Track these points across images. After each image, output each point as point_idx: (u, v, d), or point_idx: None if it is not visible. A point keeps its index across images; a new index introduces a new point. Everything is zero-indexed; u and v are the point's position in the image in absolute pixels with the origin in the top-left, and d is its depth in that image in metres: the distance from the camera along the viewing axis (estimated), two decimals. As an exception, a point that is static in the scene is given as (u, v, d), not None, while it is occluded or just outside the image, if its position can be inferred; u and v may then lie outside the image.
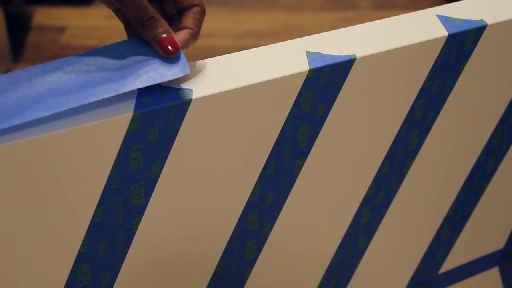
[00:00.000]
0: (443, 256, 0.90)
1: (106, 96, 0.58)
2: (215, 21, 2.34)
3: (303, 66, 0.66)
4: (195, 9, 0.65)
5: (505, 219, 0.92)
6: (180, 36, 0.63)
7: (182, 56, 0.62)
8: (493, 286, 0.98)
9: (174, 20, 0.66)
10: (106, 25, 2.30)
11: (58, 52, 2.21)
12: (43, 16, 2.39)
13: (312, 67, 0.66)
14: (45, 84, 0.58)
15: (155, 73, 0.61)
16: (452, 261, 0.92)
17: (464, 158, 0.83)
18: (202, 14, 0.65)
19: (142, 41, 0.63)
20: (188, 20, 0.64)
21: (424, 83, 0.73)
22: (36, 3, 2.43)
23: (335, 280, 0.83)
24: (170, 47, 0.62)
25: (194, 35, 0.64)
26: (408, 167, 0.79)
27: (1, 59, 2.05)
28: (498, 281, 0.98)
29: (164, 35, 0.62)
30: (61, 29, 2.32)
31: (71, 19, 2.37)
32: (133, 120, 0.60)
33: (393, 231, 0.83)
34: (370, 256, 0.83)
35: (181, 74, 0.61)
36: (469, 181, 0.85)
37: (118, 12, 0.66)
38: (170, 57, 0.62)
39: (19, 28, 2.31)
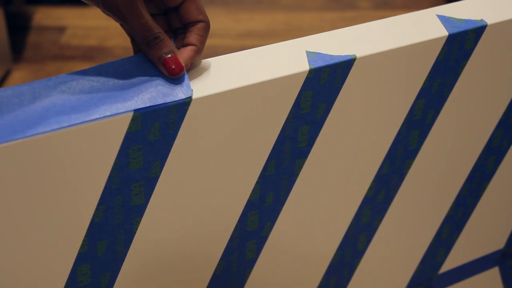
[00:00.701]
0: (443, 256, 0.90)
1: (108, 114, 0.58)
2: (216, 21, 2.34)
3: (303, 66, 0.66)
4: (199, 25, 0.65)
5: (505, 219, 0.92)
6: (184, 54, 0.64)
7: (186, 77, 0.63)
8: (493, 286, 0.98)
9: (179, 34, 0.67)
10: (106, 25, 2.30)
11: (58, 52, 2.21)
12: (43, 16, 2.39)
13: (312, 67, 0.66)
14: (49, 99, 0.59)
15: (158, 93, 0.61)
16: (452, 261, 0.92)
17: (464, 158, 0.83)
18: (206, 29, 0.65)
19: (146, 59, 0.64)
20: (193, 36, 0.65)
21: (424, 83, 0.73)
22: (36, 3, 2.43)
23: (335, 280, 0.83)
24: (174, 68, 0.62)
25: (198, 52, 0.65)
26: (408, 167, 0.79)
27: (1, 59, 2.05)
28: (498, 281, 0.98)
29: (169, 56, 0.62)
30: (61, 29, 2.32)
31: (71, 19, 2.37)
32: (133, 120, 0.60)
33: (393, 231, 0.83)
34: (370, 256, 0.83)
35: (183, 96, 0.61)
36: (469, 181, 0.85)
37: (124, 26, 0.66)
38: (174, 78, 0.62)
39: (19, 28, 2.31)
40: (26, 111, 0.57)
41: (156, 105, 0.60)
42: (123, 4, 0.61)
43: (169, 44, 0.63)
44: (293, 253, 0.77)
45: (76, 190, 0.60)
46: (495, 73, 0.78)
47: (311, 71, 0.66)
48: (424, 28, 0.72)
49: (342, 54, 0.68)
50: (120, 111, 0.59)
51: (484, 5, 0.76)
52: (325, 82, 0.67)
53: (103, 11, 0.63)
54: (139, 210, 0.65)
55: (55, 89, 0.60)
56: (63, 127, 0.57)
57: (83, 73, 0.62)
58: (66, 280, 0.64)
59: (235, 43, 2.25)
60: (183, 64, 0.62)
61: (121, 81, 0.62)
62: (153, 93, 0.61)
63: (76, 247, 0.63)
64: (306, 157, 0.71)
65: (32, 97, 0.59)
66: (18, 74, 2.11)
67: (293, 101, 0.67)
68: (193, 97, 0.62)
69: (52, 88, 0.60)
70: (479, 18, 0.74)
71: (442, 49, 0.72)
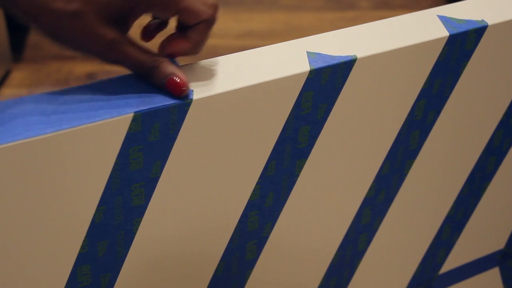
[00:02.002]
0: (443, 257, 0.90)
1: (108, 117, 0.59)
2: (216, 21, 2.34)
3: (304, 67, 0.66)
4: (201, 24, 0.63)
5: (506, 219, 0.92)
6: (175, 48, 0.63)
7: None
8: (494, 286, 0.98)
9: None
10: (106, 25, 2.29)
11: (58, 52, 2.21)
12: (43, 16, 2.38)
13: (313, 67, 0.66)
14: (50, 108, 0.60)
15: (158, 97, 0.61)
16: (452, 261, 0.92)
17: (465, 158, 0.83)
18: (209, 26, 0.63)
19: None
20: (192, 33, 0.63)
21: (425, 84, 0.73)
22: (36, 3, 2.42)
23: (336, 280, 0.83)
24: (178, 90, 0.61)
25: (193, 49, 0.63)
26: (409, 167, 0.79)
27: (1, 59, 2.05)
28: (499, 281, 0.98)
29: (169, 78, 0.61)
30: (61, 29, 2.32)
31: (71, 19, 2.36)
32: (133, 120, 0.60)
33: (394, 231, 0.83)
34: (370, 256, 0.83)
35: (184, 99, 0.61)
36: (470, 181, 0.85)
37: None
38: (181, 97, 0.61)
39: (19, 28, 2.31)
40: (27, 118, 0.58)
41: (157, 105, 0.60)
42: (107, 52, 0.60)
43: (166, 66, 0.62)
44: (293, 253, 0.77)
45: (77, 191, 0.60)
46: (495, 73, 0.78)
47: (311, 72, 0.66)
48: (424, 28, 0.72)
49: (342, 55, 0.68)
50: (120, 114, 0.59)
51: (484, 6, 0.76)
52: (326, 82, 0.67)
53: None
54: (140, 211, 0.65)
55: (56, 100, 0.61)
56: (64, 128, 0.57)
57: (85, 86, 0.62)
58: (66, 281, 0.64)
59: (235, 43, 2.25)
60: (185, 80, 0.62)
61: (123, 91, 0.62)
62: (153, 94, 0.61)
63: (77, 248, 0.63)
64: (306, 157, 0.71)
65: (34, 106, 0.59)
66: (18, 74, 2.11)
67: (294, 101, 0.67)
68: (194, 98, 0.62)
69: (54, 99, 0.61)
70: (480, 19, 0.74)
71: (443, 49, 0.72)
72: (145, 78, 0.62)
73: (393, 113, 0.74)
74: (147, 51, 0.62)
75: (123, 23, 0.61)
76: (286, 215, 0.74)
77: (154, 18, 0.68)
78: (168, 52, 0.63)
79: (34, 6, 0.58)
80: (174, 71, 0.62)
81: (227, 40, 2.27)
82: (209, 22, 0.64)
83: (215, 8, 0.63)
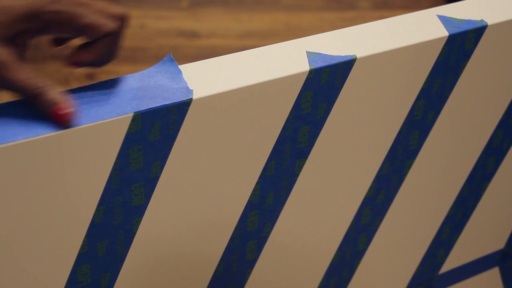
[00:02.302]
0: (443, 256, 0.90)
1: (108, 117, 0.59)
2: (216, 21, 2.34)
3: (304, 67, 0.66)
4: (106, 38, 0.60)
5: (506, 219, 0.92)
6: (78, 58, 0.61)
7: (184, 81, 0.63)
8: (494, 286, 0.98)
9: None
10: (106, 25, 2.29)
11: (59, 52, 2.21)
12: (43, 16, 2.38)
13: (313, 67, 0.66)
14: None
15: (158, 97, 0.61)
16: (452, 261, 0.92)
17: (465, 158, 0.83)
18: (116, 39, 0.60)
19: (149, 73, 0.64)
20: (96, 46, 0.60)
21: (425, 83, 0.73)
22: (36, 3, 2.42)
23: (335, 280, 0.83)
24: (60, 120, 0.58)
25: (98, 61, 0.61)
26: (409, 167, 0.79)
27: (1, 59, 2.05)
28: (499, 282, 0.98)
29: (52, 109, 0.58)
30: (61, 29, 2.32)
31: (71, 19, 2.36)
32: (133, 120, 0.60)
33: (394, 231, 0.83)
34: (370, 256, 0.83)
35: (183, 99, 0.61)
36: (470, 181, 0.85)
37: None
38: (66, 126, 0.58)
39: (19, 28, 2.31)
40: (27, 118, 0.58)
41: (156, 105, 0.60)
42: None
43: (50, 96, 0.58)
44: (293, 253, 0.77)
45: (76, 191, 0.60)
46: (495, 73, 0.78)
47: (311, 72, 0.66)
48: (424, 28, 0.72)
49: (342, 55, 0.68)
50: (120, 112, 0.59)
51: (484, 6, 0.76)
52: (326, 82, 0.67)
53: None
54: (139, 211, 0.65)
55: None
56: (63, 128, 0.57)
57: (85, 86, 0.62)
58: (66, 281, 0.64)
59: (235, 43, 2.25)
60: (69, 110, 0.58)
61: (122, 90, 0.62)
62: (153, 94, 0.61)
63: (76, 248, 0.63)
64: (306, 157, 0.71)
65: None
66: (18, 74, 2.11)
67: (294, 101, 0.67)
68: (193, 97, 0.62)
69: None
70: (479, 19, 0.74)
71: (443, 49, 0.72)
72: (31, 105, 0.59)
73: (393, 113, 0.74)
74: (34, 77, 0.58)
75: (18, 43, 0.59)
76: (286, 215, 0.74)
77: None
78: (71, 62, 0.61)
79: None
80: (57, 101, 0.58)
81: (227, 40, 2.26)
82: (115, 35, 0.60)
83: (120, 19, 0.60)
